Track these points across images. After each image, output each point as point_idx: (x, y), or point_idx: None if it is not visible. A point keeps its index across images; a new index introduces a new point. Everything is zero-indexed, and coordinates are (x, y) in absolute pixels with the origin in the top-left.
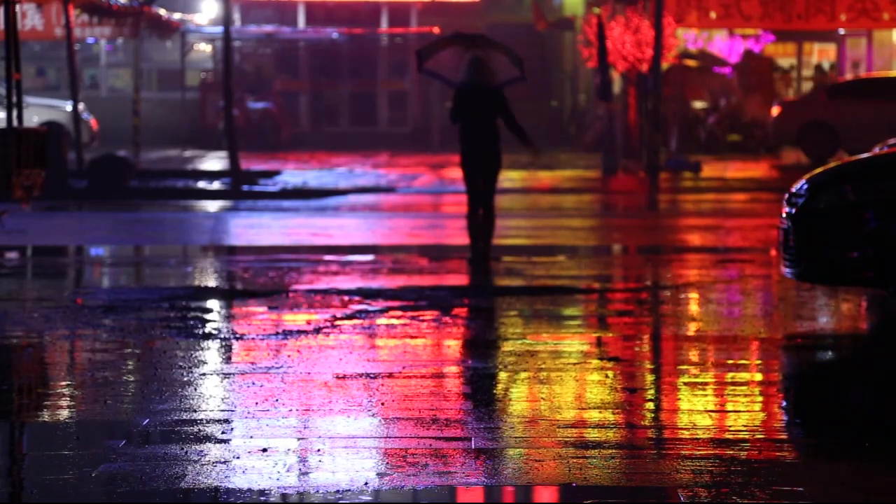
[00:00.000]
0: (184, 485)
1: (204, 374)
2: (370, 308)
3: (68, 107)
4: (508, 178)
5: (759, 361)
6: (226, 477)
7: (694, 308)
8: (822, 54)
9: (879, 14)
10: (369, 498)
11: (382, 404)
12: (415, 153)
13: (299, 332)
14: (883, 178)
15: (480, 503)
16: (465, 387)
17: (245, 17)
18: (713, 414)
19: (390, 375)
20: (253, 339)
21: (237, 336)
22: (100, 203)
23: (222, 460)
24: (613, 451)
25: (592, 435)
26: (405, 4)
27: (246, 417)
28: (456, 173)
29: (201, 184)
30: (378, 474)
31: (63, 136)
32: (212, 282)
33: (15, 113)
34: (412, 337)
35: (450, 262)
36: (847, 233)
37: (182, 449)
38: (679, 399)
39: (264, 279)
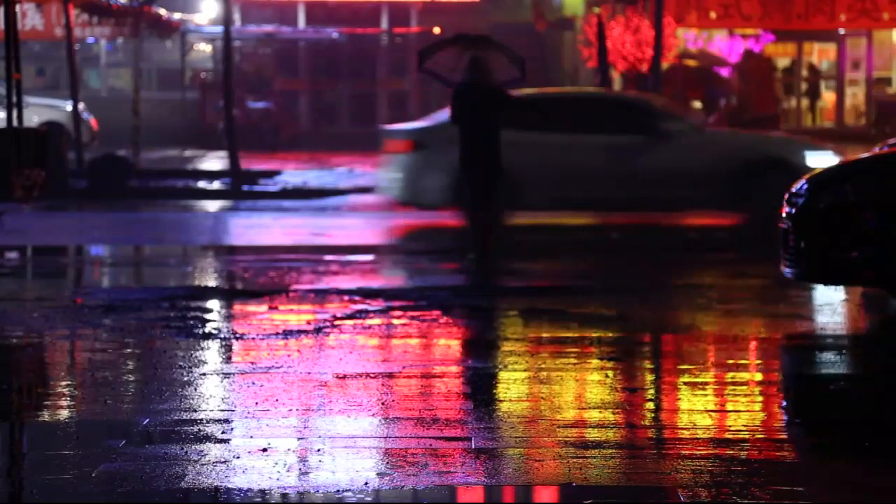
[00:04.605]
0: (184, 485)
1: (204, 374)
2: (370, 308)
3: (68, 107)
4: None
5: (759, 361)
6: (226, 477)
7: (693, 308)
8: (822, 54)
9: (879, 14)
10: (369, 498)
11: (382, 404)
12: None
13: (299, 332)
14: (883, 178)
15: (480, 503)
16: (465, 387)
17: (245, 17)
18: (713, 414)
19: (390, 375)
20: (253, 339)
21: (237, 336)
22: (100, 203)
23: (222, 460)
24: (613, 450)
25: (592, 435)
26: (405, 4)
27: (246, 417)
28: None
29: (201, 183)
30: (378, 474)
31: (63, 136)
32: (212, 282)
33: (15, 113)
34: (412, 337)
35: (450, 262)
36: (847, 233)
37: (182, 449)
38: (679, 399)
39: (264, 279)
